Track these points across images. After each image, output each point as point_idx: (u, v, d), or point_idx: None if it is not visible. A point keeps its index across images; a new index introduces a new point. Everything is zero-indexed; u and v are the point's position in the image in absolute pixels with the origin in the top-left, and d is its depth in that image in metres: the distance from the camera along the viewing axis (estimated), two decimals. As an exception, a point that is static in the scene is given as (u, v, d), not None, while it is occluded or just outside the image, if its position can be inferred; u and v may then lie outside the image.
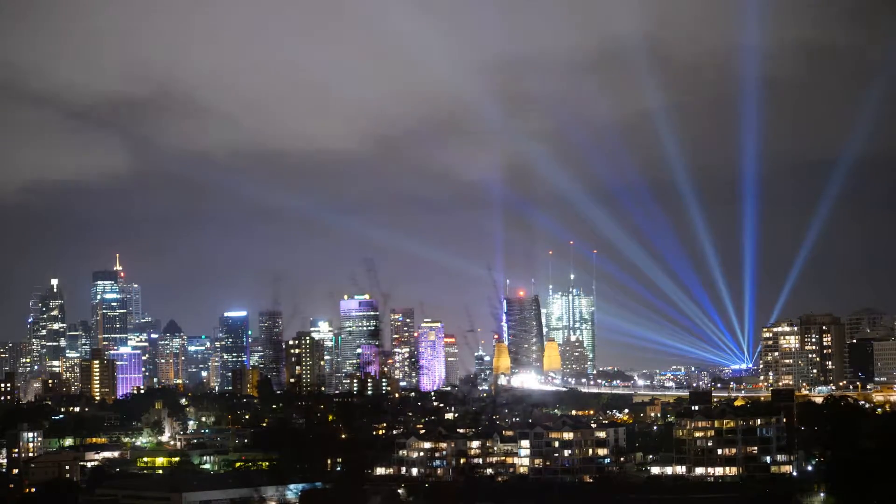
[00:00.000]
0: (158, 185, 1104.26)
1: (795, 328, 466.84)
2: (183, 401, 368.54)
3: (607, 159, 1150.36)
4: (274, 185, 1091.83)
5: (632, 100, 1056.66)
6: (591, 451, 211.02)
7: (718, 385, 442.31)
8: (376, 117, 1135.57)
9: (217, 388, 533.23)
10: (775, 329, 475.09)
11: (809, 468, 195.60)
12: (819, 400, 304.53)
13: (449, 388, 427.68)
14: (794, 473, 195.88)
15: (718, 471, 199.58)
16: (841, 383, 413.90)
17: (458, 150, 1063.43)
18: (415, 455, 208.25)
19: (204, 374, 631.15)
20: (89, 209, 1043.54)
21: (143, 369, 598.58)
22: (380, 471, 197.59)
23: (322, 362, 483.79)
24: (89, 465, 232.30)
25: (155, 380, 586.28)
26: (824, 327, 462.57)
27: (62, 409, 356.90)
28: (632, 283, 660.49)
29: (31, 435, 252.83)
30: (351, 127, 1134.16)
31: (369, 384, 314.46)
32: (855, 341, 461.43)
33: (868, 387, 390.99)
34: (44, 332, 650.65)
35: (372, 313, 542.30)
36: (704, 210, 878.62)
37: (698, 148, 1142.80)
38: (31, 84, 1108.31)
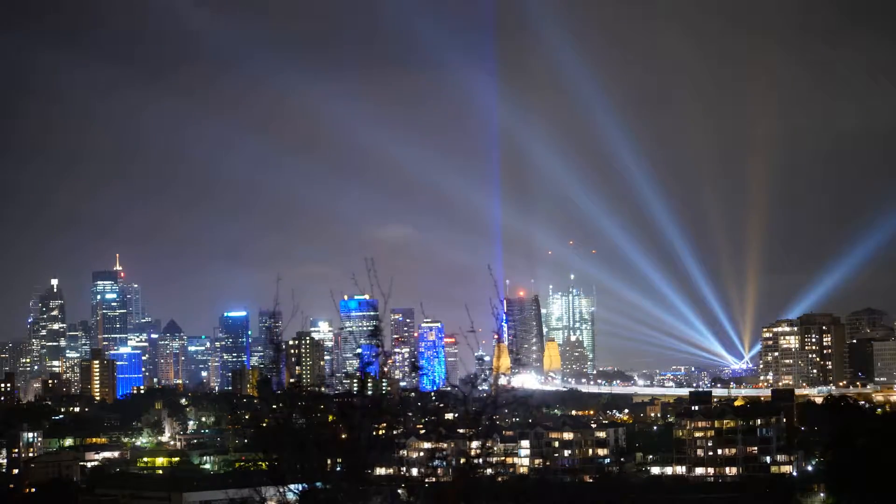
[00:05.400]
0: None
1: (795, 328, 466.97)
2: (183, 401, 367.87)
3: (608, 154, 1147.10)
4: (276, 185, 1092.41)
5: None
6: (591, 451, 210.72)
7: (718, 385, 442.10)
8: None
9: (217, 388, 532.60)
10: (775, 329, 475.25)
11: (809, 468, 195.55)
12: (819, 400, 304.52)
13: (449, 388, 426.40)
14: (794, 473, 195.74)
15: (718, 471, 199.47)
16: (841, 383, 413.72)
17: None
18: (415, 455, 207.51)
19: (204, 374, 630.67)
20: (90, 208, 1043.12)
21: (143, 369, 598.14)
22: (380, 471, 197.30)
23: (322, 362, 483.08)
24: (89, 465, 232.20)
25: (155, 380, 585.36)
26: (824, 327, 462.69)
27: (62, 409, 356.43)
28: (632, 283, 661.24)
29: (31, 435, 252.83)
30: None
31: (369, 384, 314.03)
32: (855, 341, 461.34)
33: (868, 387, 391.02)
34: (44, 332, 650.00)
35: (372, 313, 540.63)
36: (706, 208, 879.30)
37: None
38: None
